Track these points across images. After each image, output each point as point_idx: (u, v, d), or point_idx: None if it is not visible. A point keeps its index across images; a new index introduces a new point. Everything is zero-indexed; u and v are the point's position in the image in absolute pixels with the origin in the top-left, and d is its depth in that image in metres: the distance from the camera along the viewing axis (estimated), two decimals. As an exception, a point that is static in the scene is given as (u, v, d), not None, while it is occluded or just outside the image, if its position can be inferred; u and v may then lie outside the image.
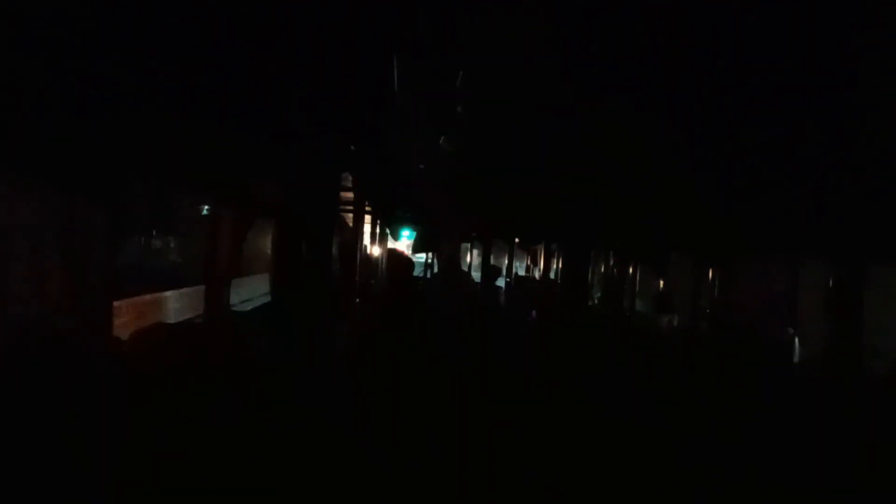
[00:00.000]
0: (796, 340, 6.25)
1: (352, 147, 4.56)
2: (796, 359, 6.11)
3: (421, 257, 14.17)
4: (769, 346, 6.06)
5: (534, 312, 9.86)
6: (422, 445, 4.04)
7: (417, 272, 11.51)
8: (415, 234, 13.53)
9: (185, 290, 8.45)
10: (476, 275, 14.17)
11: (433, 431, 4.21)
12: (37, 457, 2.12)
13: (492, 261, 12.02)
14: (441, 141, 5.07)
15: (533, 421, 5.07)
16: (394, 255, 11.03)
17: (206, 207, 6.67)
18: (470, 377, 5.44)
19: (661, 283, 8.57)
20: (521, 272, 16.41)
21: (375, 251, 10.99)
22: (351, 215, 6.10)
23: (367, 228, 9.39)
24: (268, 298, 6.83)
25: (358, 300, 6.05)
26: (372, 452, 3.66)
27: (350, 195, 6.13)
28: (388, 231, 12.19)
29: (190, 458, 2.98)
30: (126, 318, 6.17)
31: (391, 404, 4.38)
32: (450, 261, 11.31)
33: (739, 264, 7.63)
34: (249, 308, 8.59)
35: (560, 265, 11.69)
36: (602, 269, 10.74)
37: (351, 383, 4.60)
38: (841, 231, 4.42)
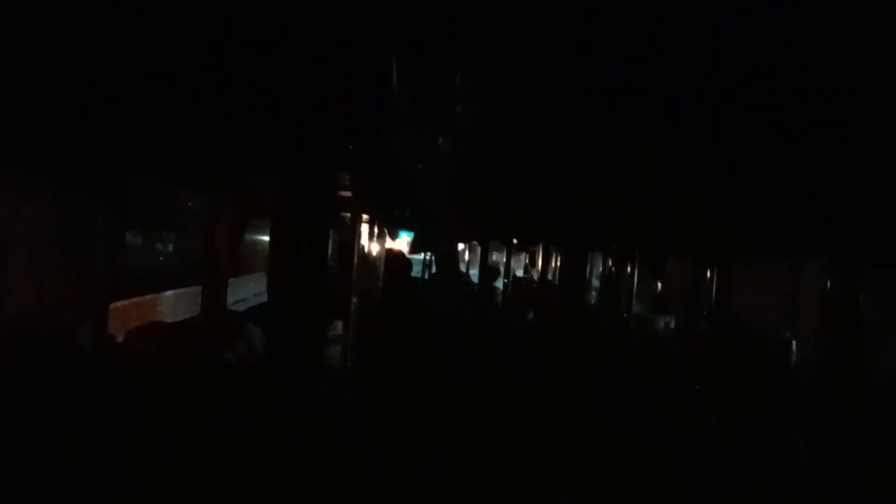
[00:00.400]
0: (794, 342, 6.25)
1: (350, 146, 4.55)
2: (794, 359, 6.11)
3: (419, 257, 14.16)
4: (767, 346, 6.07)
5: (531, 313, 9.88)
6: (422, 446, 4.03)
7: (415, 272, 11.52)
8: (413, 233, 13.52)
9: (180, 290, 8.39)
10: (474, 274, 14.18)
11: (433, 432, 4.20)
12: (35, 456, 2.11)
13: (489, 261, 12.02)
14: (440, 141, 5.05)
15: (533, 424, 5.07)
16: (392, 254, 11.03)
17: (191, 203, 6.63)
18: (468, 378, 5.43)
19: (660, 284, 8.56)
20: (520, 273, 16.41)
21: (373, 250, 10.97)
22: (349, 214, 6.08)
23: (364, 228, 9.37)
24: (263, 299, 6.82)
25: (355, 300, 6.05)
26: (371, 454, 3.65)
27: (348, 194, 6.12)
28: (386, 230, 12.18)
29: (188, 457, 2.97)
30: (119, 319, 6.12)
31: (390, 405, 4.37)
32: (448, 261, 11.32)
33: (739, 264, 7.63)
34: (245, 308, 8.55)
35: (558, 266, 11.70)
36: (600, 270, 10.75)
37: (350, 383, 4.59)
38: (841, 229, 4.42)
